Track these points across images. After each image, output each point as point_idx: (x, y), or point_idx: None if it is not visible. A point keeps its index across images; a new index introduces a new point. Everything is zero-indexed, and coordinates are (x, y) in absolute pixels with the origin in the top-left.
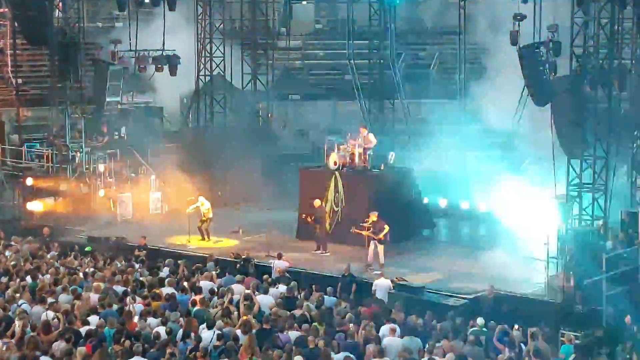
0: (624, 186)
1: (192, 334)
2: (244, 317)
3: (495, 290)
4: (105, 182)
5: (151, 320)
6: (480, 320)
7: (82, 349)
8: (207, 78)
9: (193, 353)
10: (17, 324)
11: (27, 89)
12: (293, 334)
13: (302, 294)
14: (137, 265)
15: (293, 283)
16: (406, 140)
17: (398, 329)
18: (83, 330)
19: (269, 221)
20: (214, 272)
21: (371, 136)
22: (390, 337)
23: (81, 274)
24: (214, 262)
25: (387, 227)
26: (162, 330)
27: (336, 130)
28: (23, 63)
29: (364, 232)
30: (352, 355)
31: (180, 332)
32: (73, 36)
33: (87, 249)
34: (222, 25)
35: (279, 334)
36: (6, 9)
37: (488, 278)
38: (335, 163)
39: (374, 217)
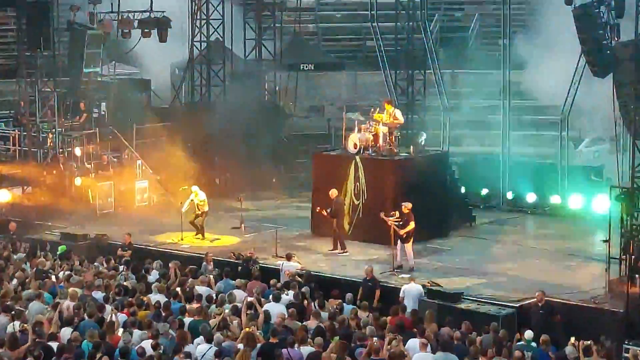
0: None
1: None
2: (247, 329)
3: (547, 297)
4: (83, 168)
5: (136, 332)
6: (528, 333)
7: None
8: (203, 45)
9: None
10: None
11: None
12: (305, 350)
13: (316, 301)
14: (120, 268)
15: (305, 289)
16: (440, 118)
17: (430, 344)
18: (55, 345)
19: (276, 215)
20: (211, 276)
21: (398, 113)
22: (422, 354)
23: (54, 278)
24: (212, 264)
25: (413, 224)
26: (148, 345)
27: (356, 107)
28: None
29: (389, 221)
30: None
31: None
32: None
33: (60, 248)
34: None
35: (288, 349)
36: None
37: (538, 283)
38: (355, 146)
39: (405, 208)
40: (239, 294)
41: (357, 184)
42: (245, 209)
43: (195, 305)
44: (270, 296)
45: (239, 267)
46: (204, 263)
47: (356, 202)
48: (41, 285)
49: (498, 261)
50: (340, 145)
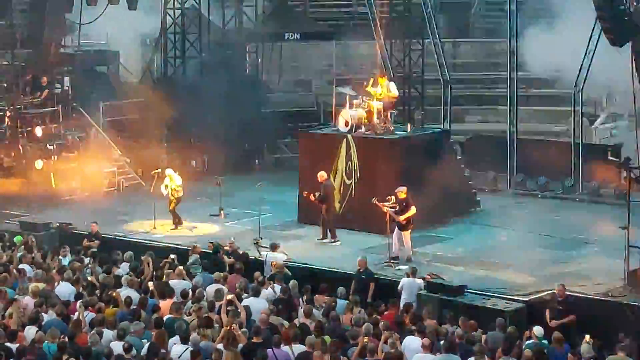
0: None
1: (162, 351)
2: (227, 328)
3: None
4: (44, 150)
5: (105, 332)
6: (538, 330)
7: None
8: (177, 13)
9: None
10: None
11: None
12: (294, 349)
13: (304, 296)
14: (86, 260)
15: (293, 282)
16: (440, 92)
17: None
18: (15, 346)
19: (260, 201)
20: (182, 268)
21: (393, 87)
22: (422, 355)
23: (15, 272)
24: (198, 256)
25: (414, 209)
26: (118, 345)
27: (347, 81)
28: None
29: (384, 207)
30: None
31: (145, 348)
32: None
33: (16, 238)
34: None
35: (273, 349)
36: None
37: (549, 274)
38: (346, 123)
39: (402, 193)
40: (223, 289)
41: (349, 162)
42: (224, 194)
43: (169, 301)
44: (249, 290)
45: (206, 260)
46: (194, 255)
47: (348, 182)
48: (0, 280)
49: (505, 250)
50: (329, 123)
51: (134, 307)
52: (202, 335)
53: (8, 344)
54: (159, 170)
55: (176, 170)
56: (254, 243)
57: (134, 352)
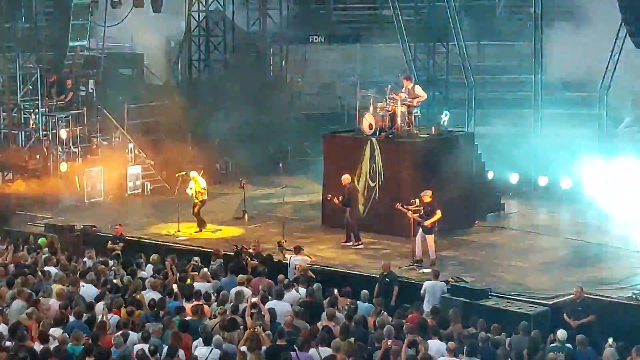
0: None
1: (182, 352)
2: (251, 330)
3: (585, 293)
4: (69, 152)
5: (131, 335)
6: (561, 333)
7: None
8: (202, 15)
9: None
10: None
11: None
12: (316, 352)
13: (328, 299)
14: (111, 263)
15: (316, 285)
16: (464, 95)
17: (443, 346)
18: (40, 348)
19: (284, 203)
20: (207, 271)
21: (418, 90)
22: (447, 359)
23: (39, 274)
24: (221, 260)
25: (439, 214)
26: (144, 348)
27: (372, 83)
28: None
29: (408, 212)
30: None
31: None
32: None
33: (41, 240)
34: None
35: (297, 352)
36: None
37: (573, 277)
38: (370, 126)
39: (427, 197)
40: (245, 292)
41: (373, 165)
42: (248, 197)
43: (194, 303)
44: (273, 293)
45: (230, 262)
46: (218, 260)
47: (372, 184)
48: (24, 283)
49: (529, 254)
50: (353, 125)
51: (158, 309)
52: (226, 337)
53: (33, 346)
54: (183, 172)
55: (200, 173)
56: (279, 245)
57: (159, 354)
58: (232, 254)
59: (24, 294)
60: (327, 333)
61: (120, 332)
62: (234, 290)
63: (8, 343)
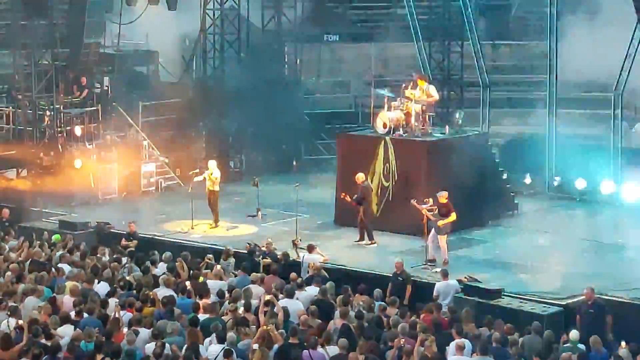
0: None
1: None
2: (264, 328)
3: (597, 294)
4: (83, 149)
5: (142, 331)
6: (574, 334)
7: None
8: (216, 13)
9: None
10: None
11: None
12: (329, 351)
13: (341, 298)
14: (124, 260)
15: (330, 284)
16: (479, 95)
17: (468, 345)
18: (54, 344)
19: (297, 202)
20: (220, 268)
21: (432, 89)
22: (457, 357)
23: (53, 271)
24: (233, 259)
25: (454, 216)
26: (153, 345)
27: (386, 82)
28: None
29: (422, 210)
30: None
31: (184, 348)
32: None
33: (55, 237)
34: None
35: (309, 350)
36: None
37: (587, 278)
38: (385, 125)
39: (443, 198)
40: (256, 289)
41: (387, 164)
42: (262, 194)
43: (206, 301)
44: (284, 292)
45: (244, 261)
46: (230, 258)
47: (385, 184)
48: (38, 279)
49: (543, 254)
50: (368, 124)
51: (170, 306)
52: (243, 334)
53: (45, 342)
54: (197, 170)
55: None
56: (293, 244)
57: (170, 352)
58: (245, 252)
59: (38, 291)
60: (342, 331)
61: (132, 329)
62: (243, 288)
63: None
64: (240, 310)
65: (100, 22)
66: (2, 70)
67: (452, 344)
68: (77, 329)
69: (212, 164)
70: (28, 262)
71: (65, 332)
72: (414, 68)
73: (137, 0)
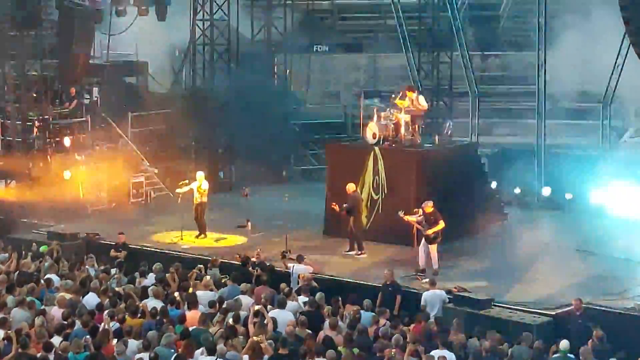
0: None
1: None
2: (254, 339)
3: (584, 304)
4: (72, 160)
5: (132, 343)
6: (564, 344)
7: None
8: (206, 24)
9: None
10: None
11: None
12: None
13: (331, 308)
14: (113, 271)
15: (319, 294)
16: (468, 105)
17: (450, 356)
18: (42, 356)
19: (286, 212)
20: (209, 279)
21: (422, 99)
22: None
23: (42, 282)
24: (218, 269)
25: (442, 224)
26: (145, 357)
27: (376, 92)
28: None
29: (411, 220)
30: None
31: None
32: None
33: (42, 248)
34: None
35: None
36: None
37: (576, 288)
38: (374, 135)
39: (428, 208)
40: (245, 300)
41: (377, 177)
42: (251, 205)
43: (195, 312)
44: (275, 302)
45: (235, 271)
46: (214, 268)
47: (375, 197)
48: (28, 290)
49: (532, 264)
50: (357, 134)
51: (159, 317)
52: (230, 345)
53: (34, 354)
54: (187, 181)
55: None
56: (282, 255)
57: None
58: (234, 262)
59: (27, 302)
60: (330, 342)
61: (121, 340)
62: (233, 299)
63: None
64: (230, 320)
65: (89, 32)
66: None
67: (437, 354)
68: (66, 340)
69: (200, 175)
70: (17, 274)
71: (54, 344)
72: (404, 78)
73: (126, 11)
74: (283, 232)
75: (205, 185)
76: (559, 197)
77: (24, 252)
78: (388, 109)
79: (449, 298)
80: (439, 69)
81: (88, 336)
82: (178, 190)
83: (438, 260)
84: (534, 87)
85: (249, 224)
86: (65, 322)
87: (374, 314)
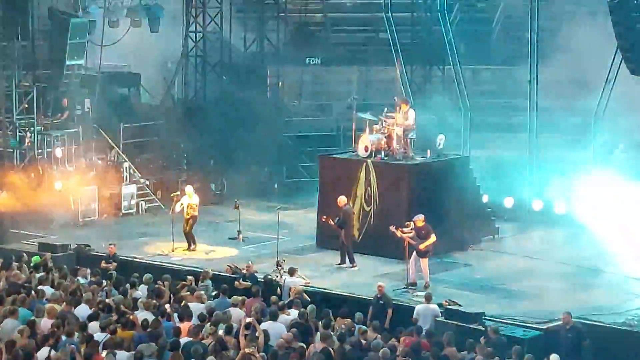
0: None
1: None
2: (244, 351)
3: (574, 319)
4: (64, 171)
5: (121, 355)
6: (554, 358)
7: None
8: (199, 36)
9: None
10: None
11: None
12: None
13: (322, 321)
14: (104, 282)
15: (310, 307)
16: (460, 119)
17: None
18: None
19: (278, 224)
20: (202, 292)
21: (411, 114)
22: None
23: (33, 293)
24: (210, 281)
25: (434, 237)
26: None
27: (368, 105)
28: None
29: (403, 235)
30: None
31: None
32: None
33: (34, 259)
34: None
35: None
36: None
37: (567, 302)
38: (366, 148)
39: (420, 222)
40: (236, 312)
41: (368, 189)
42: (243, 217)
43: (187, 324)
44: (267, 314)
45: (225, 283)
46: (207, 280)
47: (367, 209)
48: (19, 301)
49: (524, 278)
50: (349, 147)
51: (150, 329)
52: (220, 359)
53: None
54: (178, 192)
55: (195, 193)
56: (277, 265)
57: None
58: (226, 274)
59: (17, 313)
60: (322, 355)
61: (109, 351)
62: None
63: None
64: (221, 332)
65: (82, 44)
66: None
67: None
68: (55, 350)
69: (190, 189)
70: (7, 285)
71: (43, 355)
72: (396, 92)
73: (119, 22)
74: (274, 244)
75: (196, 199)
76: (550, 212)
77: (14, 263)
78: (380, 122)
79: (440, 312)
80: (431, 83)
81: (73, 345)
82: (175, 206)
83: (429, 273)
84: (525, 101)
85: (240, 236)
86: (52, 333)
87: (365, 327)
